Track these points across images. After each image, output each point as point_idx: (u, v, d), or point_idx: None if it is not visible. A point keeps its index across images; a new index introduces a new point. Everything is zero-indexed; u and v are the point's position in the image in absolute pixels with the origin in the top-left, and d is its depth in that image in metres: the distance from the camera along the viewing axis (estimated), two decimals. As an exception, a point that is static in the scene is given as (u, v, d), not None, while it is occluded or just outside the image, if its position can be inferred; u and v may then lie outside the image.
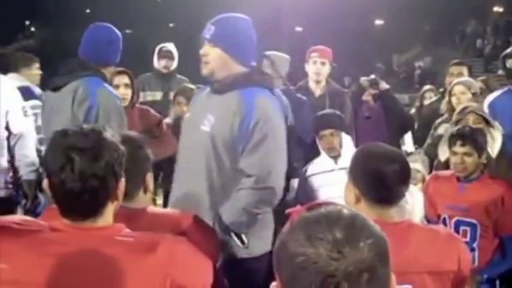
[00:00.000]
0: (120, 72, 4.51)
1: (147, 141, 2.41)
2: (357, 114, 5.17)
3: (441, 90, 5.97)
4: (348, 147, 4.15)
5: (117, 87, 4.39)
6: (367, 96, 5.25)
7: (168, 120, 5.08)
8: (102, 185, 1.78)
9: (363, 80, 5.25)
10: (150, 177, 2.30)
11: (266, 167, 3.10)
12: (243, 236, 3.12)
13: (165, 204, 5.01)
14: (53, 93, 3.71)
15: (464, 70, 5.64)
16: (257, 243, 3.17)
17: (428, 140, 4.86)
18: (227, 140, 3.12)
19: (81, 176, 1.74)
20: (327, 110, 4.58)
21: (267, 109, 3.14)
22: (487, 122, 4.00)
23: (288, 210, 2.57)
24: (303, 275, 1.18)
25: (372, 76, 5.26)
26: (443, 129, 4.59)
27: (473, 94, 4.89)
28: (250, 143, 3.10)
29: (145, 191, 2.29)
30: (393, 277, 1.26)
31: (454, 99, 4.87)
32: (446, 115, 4.88)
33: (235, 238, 3.10)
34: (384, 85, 5.24)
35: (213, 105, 3.22)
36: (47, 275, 1.73)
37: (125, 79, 4.51)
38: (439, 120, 4.92)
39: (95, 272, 1.75)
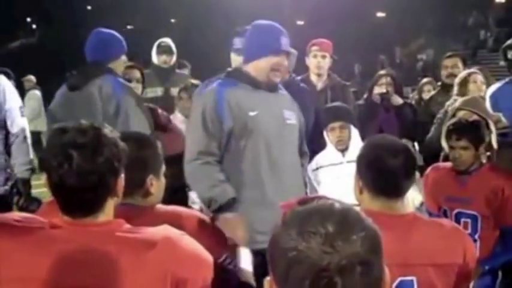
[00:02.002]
0: (131, 67, 4.58)
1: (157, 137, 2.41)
2: (368, 127, 4.84)
3: (439, 83, 5.94)
4: (356, 141, 4.14)
5: (129, 81, 4.55)
6: (378, 92, 5.14)
7: (179, 115, 5.09)
8: (101, 181, 1.78)
9: (375, 95, 5.13)
10: (151, 180, 2.25)
11: None
12: None
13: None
14: (72, 92, 4.03)
15: (459, 62, 5.61)
16: None
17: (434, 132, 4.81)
18: (299, 130, 3.62)
19: (79, 172, 1.75)
20: (336, 103, 4.56)
21: None
22: (478, 115, 3.96)
23: (280, 204, 2.58)
24: (296, 270, 1.18)
25: (384, 90, 5.12)
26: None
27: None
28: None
29: (145, 195, 2.25)
30: (387, 270, 1.25)
31: (472, 87, 4.84)
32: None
33: None
34: (397, 100, 5.12)
35: (281, 102, 3.56)
36: (48, 272, 1.74)
37: (137, 74, 4.61)
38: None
39: (96, 268, 1.76)
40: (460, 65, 5.57)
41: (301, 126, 3.64)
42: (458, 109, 4.03)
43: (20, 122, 4.35)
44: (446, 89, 5.51)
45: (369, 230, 1.22)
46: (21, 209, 4.12)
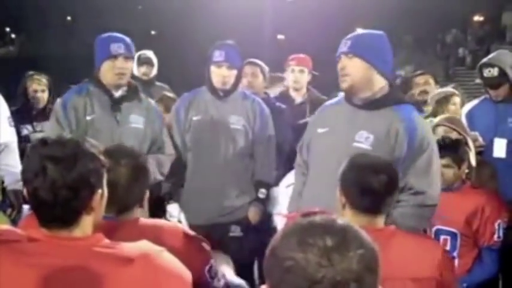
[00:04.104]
0: None
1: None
2: None
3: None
4: None
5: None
6: None
7: None
8: (74, 195, 1.76)
9: None
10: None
11: (436, 187, 3.01)
12: None
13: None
14: None
15: (430, 79, 5.66)
16: None
17: None
18: (388, 158, 2.86)
19: (52, 185, 1.73)
20: (309, 119, 4.56)
21: (425, 128, 3.09)
22: (458, 132, 3.98)
23: (283, 215, 2.59)
24: (290, 280, 1.19)
25: None
26: None
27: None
28: (419, 160, 2.97)
29: (140, 206, 2.36)
30: None
31: (452, 108, 4.83)
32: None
33: None
34: None
35: (366, 121, 3.04)
36: (25, 286, 1.71)
37: None
38: None
39: (73, 284, 1.73)
40: (431, 81, 5.63)
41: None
42: (438, 125, 4.05)
43: (6, 132, 4.21)
44: (417, 106, 5.54)
45: (367, 248, 1.23)
46: (14, 221, 4.03)
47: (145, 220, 2.37)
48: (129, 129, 3.88)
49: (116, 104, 3.88)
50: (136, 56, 6.30)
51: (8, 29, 34.01)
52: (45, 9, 27.38)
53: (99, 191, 1.83)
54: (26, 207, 4.18)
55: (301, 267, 1.18)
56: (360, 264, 1.19)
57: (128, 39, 3.91)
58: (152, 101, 4.19)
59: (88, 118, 3.83)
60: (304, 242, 1.21)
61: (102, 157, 1.84)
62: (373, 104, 3.06)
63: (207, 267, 2.33)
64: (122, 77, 3.86)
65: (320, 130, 3.18)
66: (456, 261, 3.45)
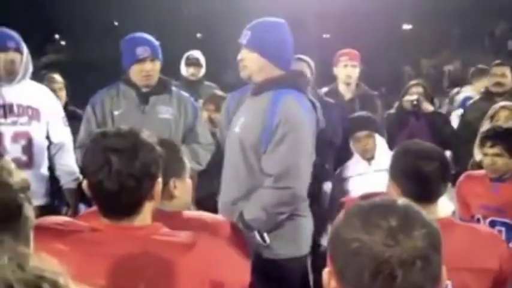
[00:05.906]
0: None
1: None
2: (399, 136, 4.83)
3: (482, 90, 5.83)
4: (383, 150, 4.13)
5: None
6: (409, 99, 5.06)
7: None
8: (138, 185, 1.81)
9: (405, 100, 5.05)
10: (174, 183, 2.24)
11: (284, 166, 3.08)
12: (265, 235, 3.14)
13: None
14: None
15: (507, 71, 5.53)
16: (285, 245, 3.20)
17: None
18: (254, 141, 3.15)
19: (118, 176, 1.78)
20: (361, 112, 4.54)
21: (290, 109, 3.13)
22: None
23: (342, 199, 2.60)
24: (356, 261, 1.21)
25: (415, 96, 5.02)
26: None
27: None
28: (271, 142, 3.09)
29: (170, 198, 2.23)
30: (444, 268, 1.28)
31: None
32: None
33: (257, 236, 3.14)
34: (427, 106, 5.02)
35: (247, 106, 3.29)
36: (99, 274, 1.76)
37: None
38: None
39: (138, 272, 1.78)
40: (508, 73, 5.49)
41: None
42: (502, 107, 3.99)
43: (62, 132, 4.25)
44: (489, 96, 5.40)
45: (430, 227, 1.26)
46: None
47: (190, 212, 2.38)
48: (156, 120, 3.97)
49: (143, 97, 4.01)
50: (184, 56, 6.41)
51: (57, 36, 34.60)
52: (93, 15, 27.82)
53: (159, 180, 1.88)
54: (82, 206, 4.26)
55: (368, 248, 1.20)
56: (424, 242, 1.21)
57: (153, 41, 4.03)
58: (186, 94, 4.27)
59: (116, 113, 3.99)
60: (368, 223, 1.23)
61: (158, 147, 1.89)
62: (257, 90, 3.25)
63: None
64: (149, 78, 4.00)
65: (233, 119, 3.38)
66: (512, 252, 3.40)
